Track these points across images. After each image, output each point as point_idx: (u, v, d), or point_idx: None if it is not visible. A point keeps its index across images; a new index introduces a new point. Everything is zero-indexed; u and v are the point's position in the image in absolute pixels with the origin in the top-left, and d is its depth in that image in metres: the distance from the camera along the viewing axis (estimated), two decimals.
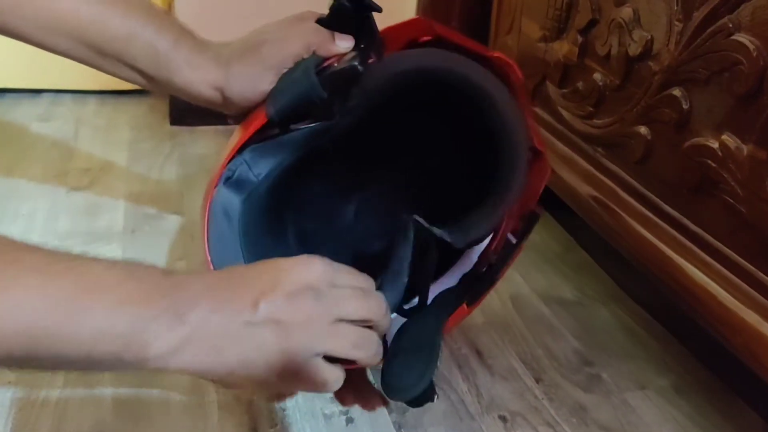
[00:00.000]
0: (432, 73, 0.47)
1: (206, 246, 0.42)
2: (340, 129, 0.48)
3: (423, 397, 0.39)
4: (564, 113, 0.67)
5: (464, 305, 0.44)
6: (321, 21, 0.48)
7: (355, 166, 0.56)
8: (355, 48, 0.47)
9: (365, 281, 0.38)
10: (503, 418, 0.49)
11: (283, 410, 0.48)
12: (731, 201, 0.47)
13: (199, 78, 0.46)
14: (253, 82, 0.46)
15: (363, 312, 0.37)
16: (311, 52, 0.46)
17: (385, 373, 0.39)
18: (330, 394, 0.50)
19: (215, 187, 0.43)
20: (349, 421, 0.48)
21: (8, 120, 0.94)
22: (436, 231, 0.42)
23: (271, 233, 0.50)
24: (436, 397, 0.39)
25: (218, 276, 0.37)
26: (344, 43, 0.47)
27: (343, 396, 0.42)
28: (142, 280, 0.34)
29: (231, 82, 0.46)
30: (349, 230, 0.57)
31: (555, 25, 0.67)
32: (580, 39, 0.63)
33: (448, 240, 0.42)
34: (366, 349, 0.37)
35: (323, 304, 0.36)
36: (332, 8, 0.47)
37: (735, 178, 0.46)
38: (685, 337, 0.59)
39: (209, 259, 0.42)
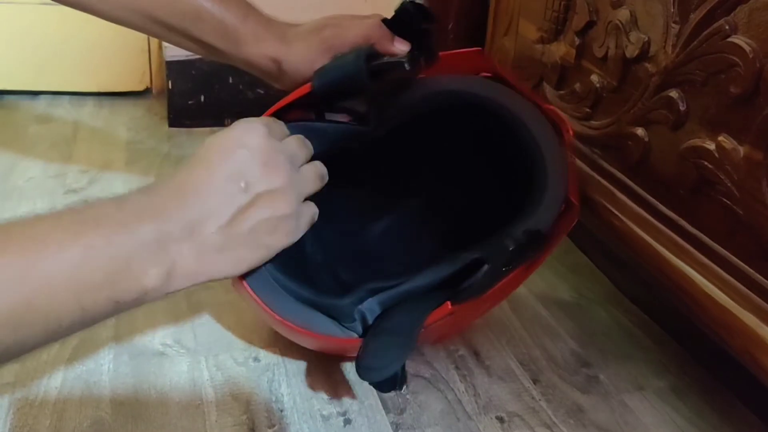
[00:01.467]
0: (472, 97, 0.49)
1: None
2: (372, 137, 0.49)
3: (392, 381, 0.39)
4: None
5: (447, 303, 0.44)
6: (385, 21, 0.51)
7: (388, 185, 0.56)
8: (410, 53, 0.50)
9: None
10: (500, 419, 0.49)
11: (281, 411, 0.48)
12: (728, 202, 0.47)
13: (262, 51, 0.50)
14: (309, 59, 0.49)
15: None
16: (369, 45, 0.48)
17: (361, 351, 0.41)
18: (327, 395, 0.50)
19: None
20: (347, 422, 0.48)
21: (6, 121, 0.94)
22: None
23: None
24: (405, 386, 0.40)
25: (174, 186, 0.38)
26: (401, 46, 0.51)
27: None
28: (99, 223, 0.34)
29: (290, 58, 0.50)
30: (371, 248, 0.57)
31: (552, 27, 0.67)
32: (577, 41, 0.63)
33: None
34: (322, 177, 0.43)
35: (290, 162, 0.40)
36: (397, 11, 0.50)
37: (731, 179, 0.47)
38: (683, 339, 0.59)
39: None
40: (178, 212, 0.36)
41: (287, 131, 0.43)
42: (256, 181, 0.38)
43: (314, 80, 0.47)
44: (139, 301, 0.35)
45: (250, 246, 0.39)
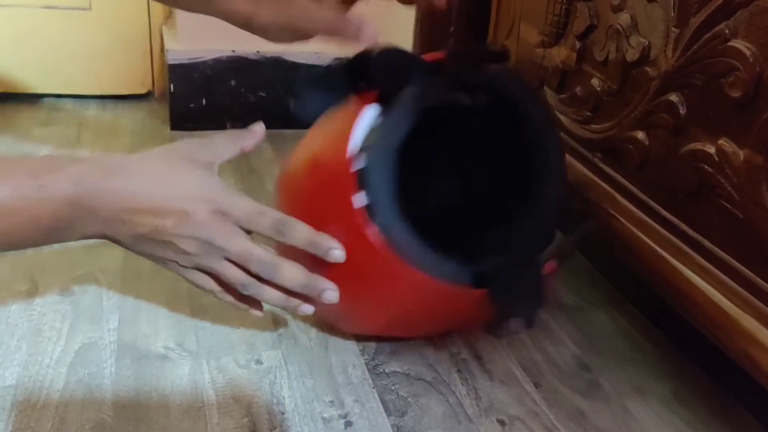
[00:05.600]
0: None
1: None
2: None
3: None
4: (562, 118, 0.67)
5: None
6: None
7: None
8: None
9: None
10: (502, 422, 0.49)
11: (283, 414, 0.48)
12: (728, 206, 0.47)
13: (234, 7, 0.53)
14: (276, 26, 0.53)
15: (262, 271, 0.44)
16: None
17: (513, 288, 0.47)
18: (329, 398, 0.50)
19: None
20: (348, 424, 0.48)
21: (10, 124, 0.95)
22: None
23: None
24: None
25: (134, 182, 0.42)
26: (366, 34, 0.52)
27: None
28: (54, 195, 0.40)
29: (259, 20, 0.53)
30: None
31: (553, 31, 0.67)
32: (578, 45, 0.64)
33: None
34: (247, 288, 0.45)
35: (217, 252, 0.43)
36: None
37: (731, 182, 0.47)
38: (684, 343, 0.59)
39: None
40: (114, 209, 0.42)
41: (266, 234, 0.44)
42: (169, 234, 0.42)
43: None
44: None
45: (139, 251, 0.44)
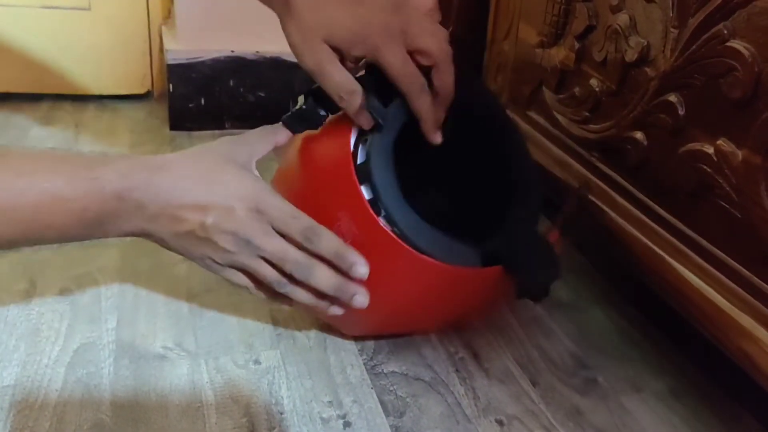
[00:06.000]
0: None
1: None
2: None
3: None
4: (560, 118, 0.67)
5: None
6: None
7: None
8: None
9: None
10: (500, 422, 0.49)
11: (281, 414, 0.48)
12: (726, 206, 0.47)
13: None
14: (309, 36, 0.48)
15: (294, 271, 0.43)
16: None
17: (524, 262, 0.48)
18: (327, 398, 0.50)
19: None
20: (347, 425, 0.48)
21: (8, 124, 0.95)
22: None
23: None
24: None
25: (175, 175, 0.43)
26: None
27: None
28: (103, 189, 0.41)
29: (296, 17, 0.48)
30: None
31: (552, 31, 0.67)
32: (577, 45, 0.64)
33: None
34: (283, 287, 0.44)
35: (254, 251, 0.43)
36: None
37: (730, 183, 0.47)
38: (681, 340, 0.59)
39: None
40: (156, 203, 0.42)
41: (296, 238, 0.44)
42: (211, 231, 0.42)
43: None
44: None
45: (178, 248, 0.44)
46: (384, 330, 0.56)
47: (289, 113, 0.49)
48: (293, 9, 0.47)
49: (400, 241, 0.45)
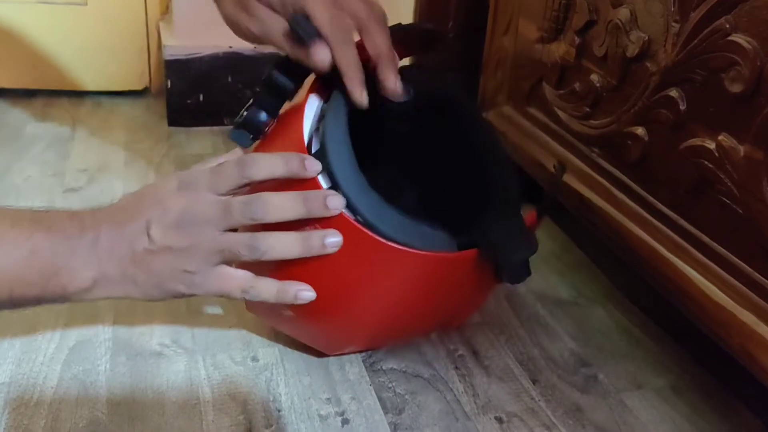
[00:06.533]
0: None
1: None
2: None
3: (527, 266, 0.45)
4: (560, 114, 0.67)
5: None
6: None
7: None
8: None
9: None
10: (499, 419, 0.49)
11: (279, 411, 0.48)
12: (727, 201, 0.47)
13: None
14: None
15: (246, 212, 0.41)
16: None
17: (498, 239, 0.45)
18: (325, 395, 0.50)
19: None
20: (345, 422, 0.47)
21: (3, 120, 0.94)
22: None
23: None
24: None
25: (112, 210, 0.44)
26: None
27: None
28: (50, 229, 0.41)
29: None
30: None
31: (552, 26, 0.67)
32: (577, 40, 0.63)
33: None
34: (256, 248, 0.41)
35: (205, 226, 0.41)
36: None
37: (731, 178, 0.46)
38: (682, 337, 0.59)
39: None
40: (107, 233, 0.42)
41: (235, 184, 0.42)
42: (159, 238, 0.41)
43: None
44: (60, 301, 0.42)
45: (151, 282, 0.43)
46: (371, 341, 0.53)
47: (233, 128, 0.48)
48: None
49: (363, 228, 0.41)
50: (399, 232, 0.42)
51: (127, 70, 1.05)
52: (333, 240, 0.41)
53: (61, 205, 0.73)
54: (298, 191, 0.41)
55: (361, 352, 0.54)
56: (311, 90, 0.47)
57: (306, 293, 0.43)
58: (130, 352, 0.52)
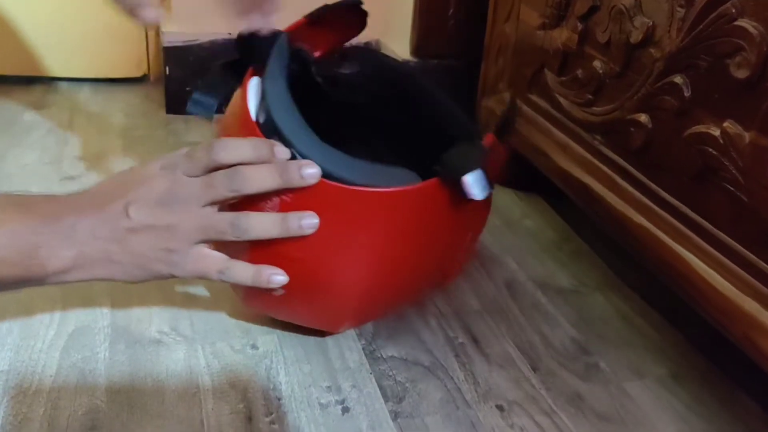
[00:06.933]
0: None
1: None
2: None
3: (487, 181, 0.44)
4: (562, 101, 0.66)
5: None
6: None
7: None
8: None
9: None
10: (500, 407, 0.49)
11: (279, 399, 0.48)
12: (732, 189, 0.47)
13: None
14: None
15: (227, 185, 0.42)
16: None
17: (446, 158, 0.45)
18: (326, 383, 0.49)
19: None
20: (345, 410, 0.47)
21: (2, 108, 0.93)
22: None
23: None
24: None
25: (92, 192, 0.44)
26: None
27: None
28: (29, 211, 0.42)
29: None
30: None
31: (555, 13, 0.66)
32: (580, 26, 0.63)
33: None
34: (237, 226, 0.42)
35: (188, 202, 0.42)
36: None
37: (736, 165, 0.46)
38: (683, 325, 0.59)
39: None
40: (88, 215, 0.42)
41: (205, 166, 0.43)
42: (142, 216, 0.42)
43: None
44: (41, 282, 0.43)
45: (133, 262, 0.43)
46: (367, 308, 0.52)
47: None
48: None
49: (324, 180, 0.42)
50: (365, 177, 0.43)
51: (126, 56, 1.04)
52: (310, 221, 0.42)
53: (59, 192, 0.73)
54: (274, 163, 0.42)
55: (359, 327, 0.54)
56: (252, 72, 0.49)
57: (278, 277, 0.44)
58: (129, 340, 0.52)
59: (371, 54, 0.54)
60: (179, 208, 0.42)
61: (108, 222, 0.42)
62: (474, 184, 0.43)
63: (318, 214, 0.43)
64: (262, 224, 0.42)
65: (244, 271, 0.44)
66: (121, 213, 0.42)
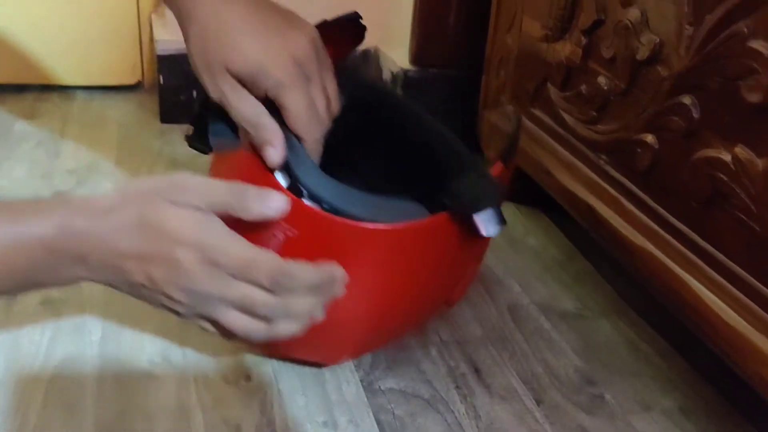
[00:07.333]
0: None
1: None
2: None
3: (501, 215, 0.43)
4: (566, 117, 0.64)
5: None
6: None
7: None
8: None
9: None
10: None
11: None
12: (743, 217, 0.45)
13: None
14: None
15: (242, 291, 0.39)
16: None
17: (459, 190, 0.44)
18: (322, 418, 0.48)
19: None
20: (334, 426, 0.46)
21: None
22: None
23: None
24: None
25: (110, 227, 0.39)
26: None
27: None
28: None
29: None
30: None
31: (558, 25, 0.64)
32: (584, 40, 0.60)
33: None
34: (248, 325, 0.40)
35: (217, 304, 0.39)
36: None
37: (748, 193, 0.44)
38: (691, 354, 0.57)
39: None
40: (98, 255, 0.38)
41: (233, 265, 0.39)
42: (160, 286, 0.39)
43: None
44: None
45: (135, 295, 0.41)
46: (369, 339, 0.51)
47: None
48: (195, 24, 0.44)
49: (332, 216, 0.41)
50: (369, 211, 0.42)
51: (120, 64, 1.02)
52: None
53: None
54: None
55: (354, 358, 0.52)
56: None
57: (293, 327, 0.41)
58: (119, 372, 0.50)
59: (352, 77, 0.52)
60: (202, 301, 0.39)
61: (123, 273, 0.39)
62: (488, 222, 0.42)
63: (324, 249, 0.41)
64: (300, 310, 0.40)
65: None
66: (142, 274, 0.38)
